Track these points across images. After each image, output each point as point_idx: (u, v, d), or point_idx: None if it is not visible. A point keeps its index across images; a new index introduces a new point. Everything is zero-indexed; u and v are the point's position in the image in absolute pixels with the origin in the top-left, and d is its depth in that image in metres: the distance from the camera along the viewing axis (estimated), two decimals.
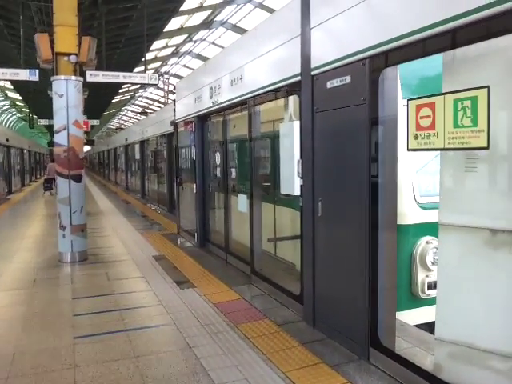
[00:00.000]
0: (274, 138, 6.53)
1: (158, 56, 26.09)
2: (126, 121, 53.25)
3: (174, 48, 25.13)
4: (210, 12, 19.47)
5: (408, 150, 3.20)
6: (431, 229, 4.44)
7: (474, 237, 2.98)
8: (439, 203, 3.24)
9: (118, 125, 52.91)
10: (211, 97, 7.47)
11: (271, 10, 17.44)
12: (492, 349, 2.91)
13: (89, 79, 10.34)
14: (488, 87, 2.56)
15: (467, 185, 3.10)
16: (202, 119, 8.44)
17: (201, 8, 18.70)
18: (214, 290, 5.83)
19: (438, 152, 3.23)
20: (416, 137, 3.08)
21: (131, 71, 18.98)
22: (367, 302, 3.74)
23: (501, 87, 2.70)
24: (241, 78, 6.12)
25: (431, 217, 4.43)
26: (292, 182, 4.87)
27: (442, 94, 2.88)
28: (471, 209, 3.05)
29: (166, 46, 24.25)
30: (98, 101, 27.74)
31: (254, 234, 6.11)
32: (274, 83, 5.14)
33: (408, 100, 3.15)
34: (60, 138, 7.29)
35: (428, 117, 2.96)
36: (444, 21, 2.89)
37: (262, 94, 5.54)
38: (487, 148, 2.63)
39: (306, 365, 3.74)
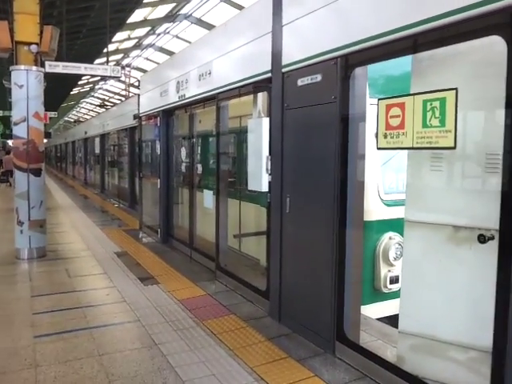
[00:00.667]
0: (242, 133, 6.54)
1: (120, 48, 25.56)
2: (84, 113, 51.85)
3: (137, 40, 24.69)
4: (174, 5, 19.23)
5: (378, 148, 3.28)
6: (394, 225, 4.59)
7: (437, 233, 3.09)
8: (405, 201, 3.34)
9: (76, 117, 51.44)
10: (178, 91, 7.39)
11: (237, 5, 17.43)
12: (452, 340, 3.04)
13: (48, 70, 9.96)
14: (456, 89, 2.66)
15: (432, 183, 3.20)
16: (168, 113, 8.34)
17: (165, 0, 18.44)
18: (178, 287, 5.78)
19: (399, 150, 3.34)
20: (386, 136, 3.16)
21: (92, 63, 18.46)
22: (333, 297, 3.81)
23: (466, 90, 2.80)
24: (209, 73, 6.08)
25: (394, 213, 4.57)
26: (260, 179, 4.88)
27: (412, 95, 2.97)
28: (436, 206, 3.16)
29: (129, 38, 23.80)
30: (56, 92, 26.89)
31: (219, 229, 6.10)
32: (244, 79, 5.13)
33: (378, 99, 3.22)
34: (19, 131, 7.01)
35: (397, 116, 3.04)
36: (410, 25, 2.99)
37: (231, 89, 5.52)
38: (454, 148, 2.73)
39: (272, 359, 3.78)
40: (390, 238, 4.68)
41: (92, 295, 5.46)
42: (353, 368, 3.61)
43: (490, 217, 2.70)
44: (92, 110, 47.48)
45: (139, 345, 4.06)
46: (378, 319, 4.59)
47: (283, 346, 4.04)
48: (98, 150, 19.63)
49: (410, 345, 3.33)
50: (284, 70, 4.32)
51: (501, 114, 2.54)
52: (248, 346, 4.02)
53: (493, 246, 2.68)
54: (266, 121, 4.75)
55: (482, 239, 2.76)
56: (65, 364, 3.69)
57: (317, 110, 3.92)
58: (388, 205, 4.70)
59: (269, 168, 4.66)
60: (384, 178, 4.79)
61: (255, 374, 3.53)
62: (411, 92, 3.07)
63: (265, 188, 4.78)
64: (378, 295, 4.76)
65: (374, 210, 4.60)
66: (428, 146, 2.86)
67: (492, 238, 2.74)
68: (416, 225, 3.21)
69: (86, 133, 22.85)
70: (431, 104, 2.81)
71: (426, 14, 2.86)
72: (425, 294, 3.24)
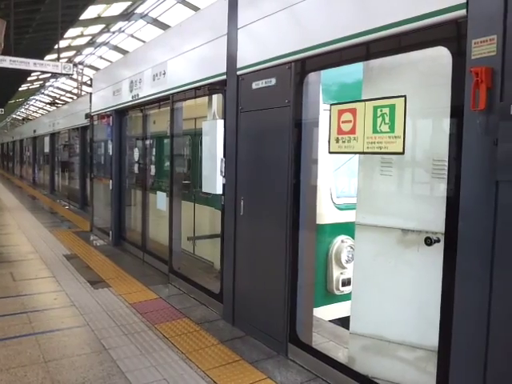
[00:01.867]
0: (197, 135, 6.49)
1: (73, 45, 24.78)
2: (34, 111, 49.92)
3: (90, 38, 24.02)
4: (129, 3, 18.85)
5: (329, 152, 3.34)
6: (346, 228, 4.68)
7: (387, 236, 3.18)
8: (356, 204, 3.41)
9: (24, 115, 49.45)
10: (131, 90, 7.24)
11: (193, 7, 17.29)
12: (401, 340, 3.13)
13: None
14: (405, 96, 2.75)
15: (382, 188, 3.29)
16: (121, 113, 8.16)
17: None
18: (130, 290, 5.66)
19: (353, 155, 3.42)
20: (337, 140, 3.22)
21: (42, 59, 17.84)
22: (286, 299, 3.84)
23: (414, 98, 2.90)
24: (164, 73, 6.00)
25: (346, 217, 4.66)
26: (214, 181, 4.86)
27: (363, 101, 3.04)
28: (385, 210, 3.25)
29: (82, 35, 23.11)
30: (3, 88, 25.74)
31: (172, 232, 6.02)
32: (199, 80, 5.10)
33: (331, 105, 3.29)
34: None
35: (349, 121, 3.11)
36: (361, 33, 3.07)
37: (185, 90, 5.47)
38: (402, 153, 2.82)
39: (225, 362, 3.76)
40: (343, 241, 4.77)
41: (38, 300, 5.25)
42: (305, 369, 3.65)
43: (436, 220, 2.80)
44: (42, 108, 45.78)
45: (88, 350, 3.94)
46: (331, 321, 4.66)
47: (236, 348, 4.03)
48: (47, 150, 18.94)
49: (361, 345, 3.41)
50: (239, 72, 4.33)
51: (447, 122, 2.65)
52: (201, 350, 3.99)
53: (439, 249, 2.79)
54: (220, 123, 4.74)
55: (429, 242, 2.86)
56: (7, 372, 3.52)
57: (271, 113, 3.95)
58: (340, 208, 4.79)
59: (223, 170, 4.64)
60: (336, 182, 4.87)
61: (208, 378, 3.50)
62: (362, 98, 3.14)
63: (219, 190, 4.76)
64: (331, 297, 4.83)
65: (326, 213, 4.67)
66: (378, 150, 2.94)
67: (438, 240, 2.85)
68: (366, 228, 3.29)
69: (34, 131, 22.01)
70: (381, 110, 2.89)
71: (377, 23, 2.94)
72: (375, 295, 3.32)
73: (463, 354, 2.50)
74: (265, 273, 4.14)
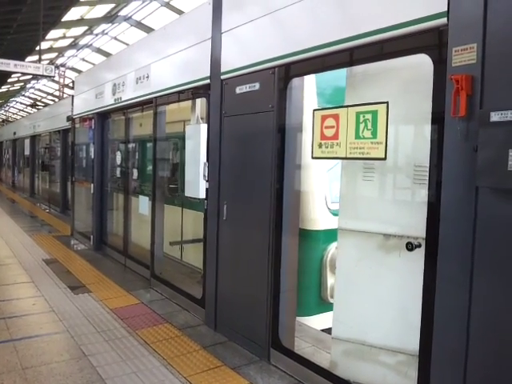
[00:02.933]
0: (179, 139, 6.45)
1: (54, 46, 24.47)
2: (14, 113, 49.14)
3: (73, 40, 23.76)
4: (113, 6, 18.72)
5: (312, 157, 3.35)
6: None
7: (369, 241, 3.20)
8: (339, 209, 3.43)
9: (4, 117, 48.64)
10: (114, 94, 7.18)
11: (177, 10, 17.25)
12: (382, 345, 3.15)
13: None
14: (387, 103, 2.78)
15: (364, 193, 3.31)
16: (103, 116, 8.08)
17: (103, 0, 17.92)
18: (111, 295, 5.58)
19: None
20: (320, 145, 3.23)
21: (23, 60, 17.59)
22: (269, 304, 3.83)
23: (396, 104, 2.93)
24: (147, 77, 5.97)
25: None
26: (197, 185, 4.84)
27: (346, 107, 3.07)
28: (367, 215, 3.27)
29: (64, 37, 22.84)
30: None
31: (154, 236, 5.97)
32: (182, 84, 5.08)
33: (314, 110, 3.30)
34: None
35: (332, 127, 3.13)
36: (344, 39, 3.10)
37: (169, 94, 5.45)
38: (384, 159, 2.85)
39: (207, 368, 3.73)
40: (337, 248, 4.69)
41: (16, 305, 5.14)
42: (287, 375, 3.64)
43: (417, 226, 2.83)
44: (22, 110, 45.10)
45: (67, 357, 3.87)
46: (324, 330, 4.44)
47: (218, 354, 4.01)
48: (27, 152, 18.65)
49: (342, 350, 3.42)
50: (223, 76, 4.32)
51: (428, 128, 2.68)
52: (182, 355, 3.95)
53: (420, 254, 2.81)
54: (204, 127, 4.72)
55: (410, 247, 2.88)
56: None
57: (254, 118, 3.95)
58: (335, 214, 4.71)
59: (206, 175, 4.62)
60: (331, 188, 4.76)
61: None
62: (345, 104, 3.17)
63: (202, 195, 4.74)
64: (325, 306, 4.63)
65: (321, 219, 4.60)
66: (360, 156, 2.97)
67: (419, 245, 2.87)
68: (348, 233, 3.30)
69: (14, 133, 21.65)
70: (364, 116, 2.92)
71: (360, 30, 2.97)
72: (356, 300, 3.33)
73: (443, 359, 2.53)
74: (247, 278, 4.12)
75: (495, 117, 2.20)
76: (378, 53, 2.98)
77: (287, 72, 3.66)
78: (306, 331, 4.46)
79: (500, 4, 2.25)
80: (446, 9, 2.48)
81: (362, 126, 2.94)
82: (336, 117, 3.11)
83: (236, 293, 4.28)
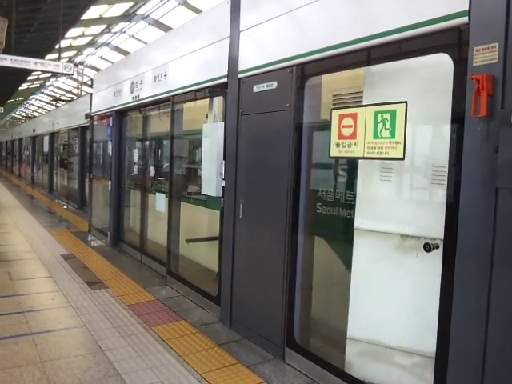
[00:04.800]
0: (197, 137, 6.47)
1: (73, 45, 24.80)
2: (33, 110, 49.90)
3: (91, 38, 24.05)
4: (131, 4, 18.89)
5: (330, 157, 3.34)
6: None
7: (386, 242, 3.18)
8: (356, 209, 3.41)
9: (24, 114, 49.40)
10: (132, 92, 7.25)
11: (195, 9, 17.34)
12: (398, 346, 3.12)
13: None
14: (406, 102, 2.76)
15: (381, 193, 3.29)
16: (121, 114, 8.16)
17: None
18: (127, 291, 5.64)
19: None
20: (338, 145, 3.22)
21: (43, 58, 17.85)
22: (284, 303, 3.84)
23: (415, 104, 2.91)
24: (165, 75, 6.01)
25: None
26: (213, 184, 4.86)
27: (364, 106, 3.05)
28: (384, 215, 3.25)
29: (83, 35, 23.13)
30: (3, 87, 25.73)
31: (171, 234, 6.01)
32: (200, 83, 5.10)
33: (332, 109, 3.29)
34: None
35: (350, 126, 3.11)
36: (363, 38, 3.08)
37: (186, 92, 5.48)
38: (403, 159, 2.83)
39: (222, 365, 3.75)
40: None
41: (35, 299, 5.23)
42: (302, 374, 3.64)
43: (435, 226, 2.80)
44: (42, 108, 45.78)
45: (84, 351, 3.93)
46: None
47: (233, 352, 4.02)
48: (46, 149, 18.92)
49: (358, 351, 3.40)
50: (240, 75, 4.33)
51: (447, 128, 2.66)
52: (197, 352, 3.98)
53: (437, 255, 2.79)
54: (221, 126, 4.74)
55: (428, 248, 2.85)
56: (3, 372, 3.50)
57: (271, 117, 3.95)
58: None
59: (223, 173, 4.64)
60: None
61: (204, 381, 3.49)
62: (363, 103, 3.15)
63: (218, 193, 4.76)
64: None
65: None
66: (378, 156, 2.95)
67: (437, 246, 2.84)
68: (365, 233, 3.28)
69: (34, 130, 21.99)
70: (382, 116, 2.90)
71: (378, 29, 2.95)
72: (372, 300, 3.32)
73: (461, 361, 2.50)
74: (263, 276, 4.13)
75: None
76: (396, 52, 2.96)
77: (305, 71, 3.65)
78: (321, 330, 4.45)
79: None
80: (467, 8, 2.45)
81: (380, 125, 2.92)
82: (354, 116, 3.10)
83: (251, 291, 4.30)
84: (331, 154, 3.31)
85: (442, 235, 2.71)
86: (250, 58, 4.24)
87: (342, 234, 3.76)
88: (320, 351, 3.78)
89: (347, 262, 3.46)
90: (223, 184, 4.66)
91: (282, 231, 3.83)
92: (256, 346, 4.14)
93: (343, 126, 3.17)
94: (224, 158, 4.64)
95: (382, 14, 2.96)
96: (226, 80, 4.58)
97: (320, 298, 4.13)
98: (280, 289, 3.86)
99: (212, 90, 5.01)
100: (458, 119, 2.53)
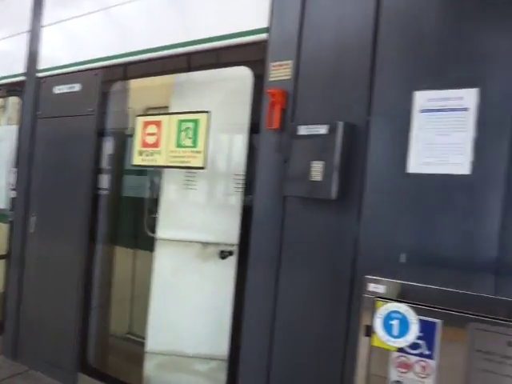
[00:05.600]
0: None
1: None
2: None
3: None
4: None
5: (132, 165, 3.23)
6: None
7: (186, 250, 3.17)
8: (158, 219, 3.33)
9: None
10: None
11: None
12: (196, 353, 3.11)
13: None
14: (209, 112, 2.83)
15: (185, 201, 3.28)
16: None
17: None
18: None
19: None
20: (141, 153, 3.13)
21: None
22: (77, 324, 3.51)
23: (218, 114, 2.99)
24: None
25: None
26: (1, 194, 4.29)
27: (169, 114, 3.03)
28: (186, 223, 3.24)
29: None
30: None
31: None
32: None
33: (136, 116, 3.20)
34: None
35: (154, 134, 3.06)
36: (167, 46, 3.10)
37: None
38: (204, 168, 2.87)
39: None
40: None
41: None
42: None
43: (233, 233, 2.89)
44: None
45: None
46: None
47: None
48: None
49: (157, 363, 3.28)
50: (40, 74, 3.95)
51: (246, 139, 2.79)
52: None
53: (232, 261, 2.87)
54: (14, 129, 4.22)
55: (225, 254, 2.93)
56: None
57: (74, 121, 3.67)
58: None
59: (13, 182, 4.12)
60: None
61: None
62: (170, 111, 3.14)
63: (5, 205, 4.20)
64: None
65: None
66: (180, 165, 2.94)
67: (231, 253, 2.94)
68: (166, 242, 3.23)
69: None
70: (186, 124, 2.92)
71: (193, 37, 2.98)
72: (172, 311, 3.25)
73: (250, 362, 2.59)
74: (55, 296, 3.73)
75: (302, 130, 2.38)
76: (204, 62, 3.02)
77: (111, 75, 3.50)
78: (121, 347, 4.18)
79: (312, 25, 2.47)
80: (267, 25, 2.63)
81: (183, 134, 2.93)
82: (158, 124, 3.05)
83: (42, 314, 3.83)
84: (134, 162, 3.20)
85: (237, 241, 2.80)
86: (52, 57, 3.90)
87: (145, 243, 3.63)
88: (117, 371, 3.54)
89: (150, 274, 3.34)
90: (13, 195, 4.13)
91: (77, 243, 3.54)
92: (45, 375, 3.69)
93: (147, 134, 3.10)
94: (16, 166, 4.13)
95: (198, 23, 3.00)
96: (23, 78, 4.12)
97: (120, 314, 3.91)
98: (73, 308, 3.53)
99: (8, 89, 4.46)
100: (255, 130, 2.67)
